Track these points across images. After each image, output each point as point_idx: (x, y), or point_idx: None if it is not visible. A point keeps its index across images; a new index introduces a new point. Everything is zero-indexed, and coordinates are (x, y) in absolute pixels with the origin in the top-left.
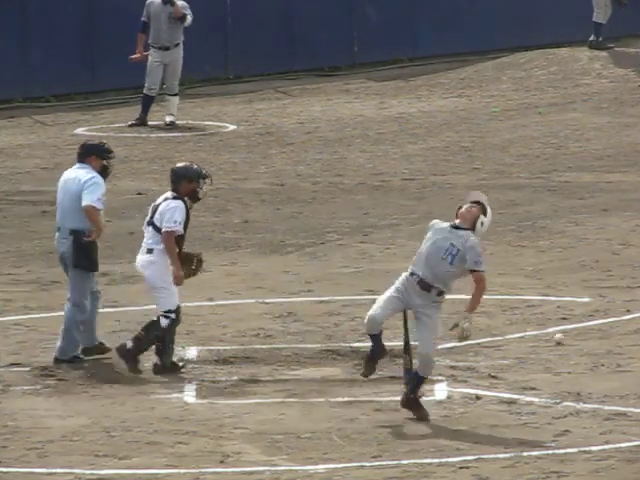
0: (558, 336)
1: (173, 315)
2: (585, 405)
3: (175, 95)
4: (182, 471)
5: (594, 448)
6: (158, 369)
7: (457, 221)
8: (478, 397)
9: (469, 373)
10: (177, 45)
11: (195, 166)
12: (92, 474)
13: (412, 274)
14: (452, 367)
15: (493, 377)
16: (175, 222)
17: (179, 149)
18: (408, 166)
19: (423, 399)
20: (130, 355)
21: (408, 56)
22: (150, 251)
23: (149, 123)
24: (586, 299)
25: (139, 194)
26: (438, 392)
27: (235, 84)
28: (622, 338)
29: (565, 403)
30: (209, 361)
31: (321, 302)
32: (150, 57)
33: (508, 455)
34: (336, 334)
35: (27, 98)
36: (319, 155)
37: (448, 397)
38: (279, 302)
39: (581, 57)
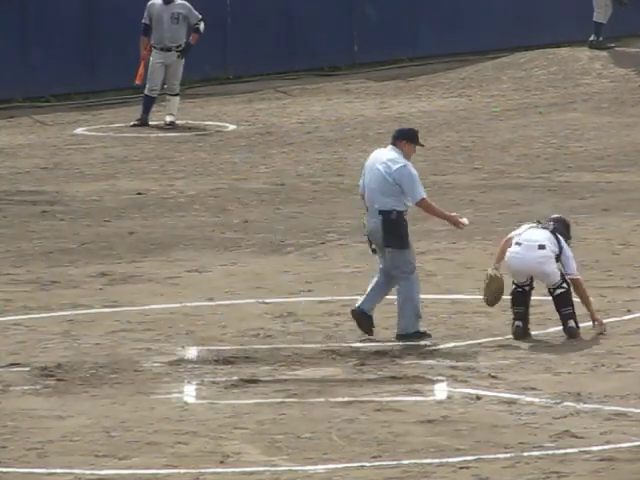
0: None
1: None
2: (585, 405)
3: (176, 95)
4: (182, 471)
5: (594, 448)
6: (574, 333)
7: None
8: (478, 397)
9: (469, 373)
10: (179, 46)
11: None
12: (92, 474)
13: None
14: (452, 367)
15: (493, 377)
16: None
17: (179, 149)
18: None
19: (422, 399)
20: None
21: (408, 56)
22: (542, 247)
23: (150, 123)
24: None
25: (139, 194)
26: (438, 392)
27: (235, 84)
28: (622, 338)
29: (565, 403)
30: (209, 361)
31: (321, 302)
32: (152, 58)
33: (508, 455)
34: (336, 334)
35: (27, 98)
36: (319, 155)
37: (448, 397)
38: (279, 302)
39: (581, 57)
